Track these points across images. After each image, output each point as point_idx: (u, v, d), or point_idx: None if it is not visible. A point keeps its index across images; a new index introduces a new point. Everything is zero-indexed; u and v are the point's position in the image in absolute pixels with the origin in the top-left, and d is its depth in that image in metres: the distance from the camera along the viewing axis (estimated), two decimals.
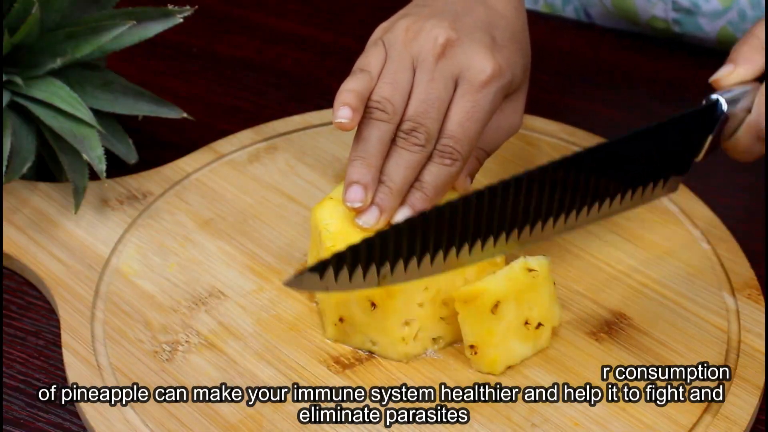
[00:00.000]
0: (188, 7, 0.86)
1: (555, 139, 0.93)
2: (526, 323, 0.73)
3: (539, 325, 0.74)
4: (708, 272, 0.81)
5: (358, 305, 0.73)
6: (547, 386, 0.73)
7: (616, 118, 0.86)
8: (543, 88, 1.04)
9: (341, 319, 0.74)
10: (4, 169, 0.82)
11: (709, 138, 0.76)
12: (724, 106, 0.75)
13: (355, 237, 0.72)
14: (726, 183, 0.92)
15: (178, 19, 0.86)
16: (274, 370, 0.74)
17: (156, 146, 0.95)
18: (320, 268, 0.67)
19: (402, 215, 0.74)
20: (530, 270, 0.73)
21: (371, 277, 0.69)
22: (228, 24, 1.12)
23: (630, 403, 0.72)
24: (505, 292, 0.72)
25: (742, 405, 0.72)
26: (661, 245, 0.83)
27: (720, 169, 0.94)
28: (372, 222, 0.74)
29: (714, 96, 0.76)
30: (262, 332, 0.77)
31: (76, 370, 0.75)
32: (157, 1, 0.90)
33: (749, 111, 0.76)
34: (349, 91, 0.75)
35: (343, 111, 0.74)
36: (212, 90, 1.03)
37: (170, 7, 0.86)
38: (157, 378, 0.74)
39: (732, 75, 0.76)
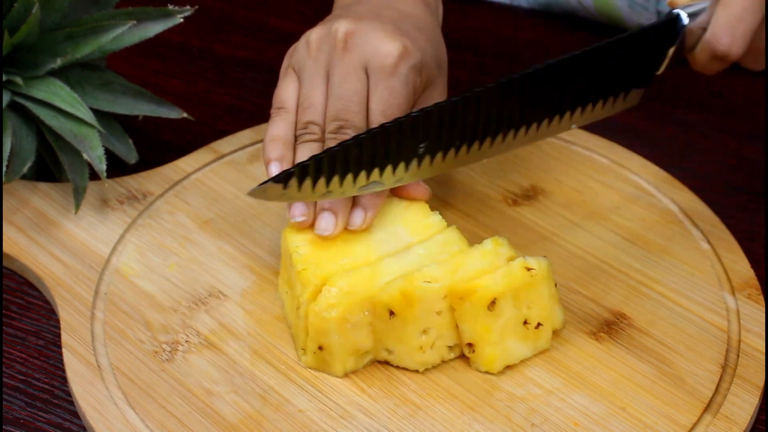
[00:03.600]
0: (188, 7, 0.86)
1: (555, 139, 0.93)
2: (526, 323, 0.73)
3: (539, 325, 0.74)
4: (708, 272, 0.81)
5: (375, 314, 0.73)
6: (547, 386, 0.73)
7: (615, 117, 0.86)
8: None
9: (320, 348, 0.73)
10: (4, 169, 0.82)
11: (671, 51, 0.78)
12: (685, 20, 0.77)
13: (326, 259, 0.73)
14: (726, 183, 0.92)
15: (178, 19, 0.86)
16: (274, 370, 0.74)
17: (156, 146, 0.95)
18: (284, 178, 0.71)
19: (358, 217, 0.76)
20: (528, 269, 0.73)
21: (334, 186, 0.72)
22: (228, 24, 1.12)
23: (630, 403, 0.72)
24: (502, 289, 0.72)
25: (742, 405, 0.72)
26: (661, 245, 0.83)
27: (720, 169, 0.94)
28: (330, 227, 0.75)
29: (675, 10, 0.78)
30: (262, 332, 0.77)
31: (76, 370, 0.75)
32: (157, 1, 0.91)
33: (705, 28, 0.77)
34: (274, 140, 0.77)
35: (296, 209, 0.75)
36: (212, 90, 1.03)
37: (170, 7, 0.86)
38: (157, 378, 0.74)
39: None
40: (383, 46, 0.77)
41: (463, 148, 0.76)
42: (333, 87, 0.77)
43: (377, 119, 0.76)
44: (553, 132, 0.79)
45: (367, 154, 0.73)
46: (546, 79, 0.76)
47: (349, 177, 0.73)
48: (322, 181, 0.72)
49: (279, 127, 0.78)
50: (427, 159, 0.75)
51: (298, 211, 0.75)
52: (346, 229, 0.76)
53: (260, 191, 0.72)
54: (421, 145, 0.74)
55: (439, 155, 0.75)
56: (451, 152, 0.75)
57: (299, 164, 0.72)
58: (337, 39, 0.78)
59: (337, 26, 0.78)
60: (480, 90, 0.74)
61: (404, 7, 0.83)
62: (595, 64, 0.77)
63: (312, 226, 0.75)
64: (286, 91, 0.79)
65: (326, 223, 0.75)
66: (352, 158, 0.73)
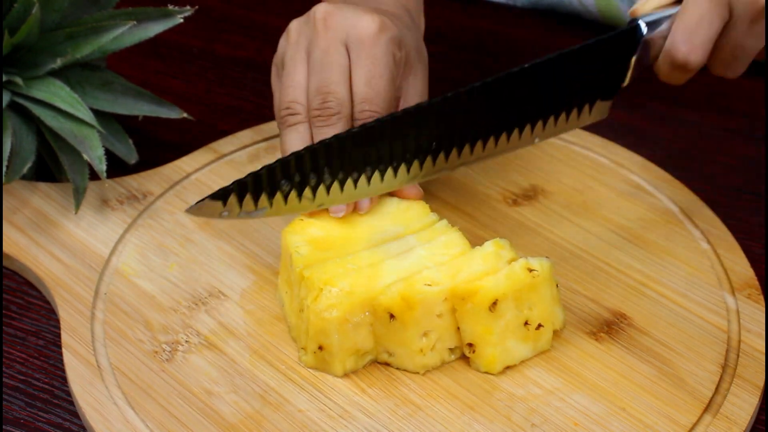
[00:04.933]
0: (188, 7, 0.86)
1: (555, 139, 0.93)
2: (526, 324, 0.73)
3: (539, 326, 0.74)
4: (708, 272, 0.81)
5: (376, 317, 0.73)
6: (547, 386, 0.73)
7: (615, 118, 0.86)
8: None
9: (320, 347, 0.74)
10: (4, 169, 0.82)
11: (632, 61, 0.78)
12: (644, 29, 0.77)
13: (327, 260, 0.73)
14: (726, 183, 0.92)
15: (178, 19, 0.86)
16: (274, 370, 0.74)
17: (156, 146, 0.95)
18: (222, 195, 0.72)
19: (365, 200, 0.77)
20: (531, 270, 0.73)
21: (277, 202, 0.73)
22: (228, 24, 1.12)
23: (630, 403, 0.72)
24: (503, 291, 0.72)
25: (742, 405, 0.72)
26: (661, 245, 0.83)
27: (720, 169, 0.94)
28: (342, 206, 0.76)
29: (636, 19, 0.77)
30: (262, 332, 0.77)
31: (76, 370, 0.75)
32: (157, 1, 0.91)
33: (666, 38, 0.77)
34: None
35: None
36: (212, 90, 1.03)
37: (170, 7, 0.86)
38: (157, 378, 0.74)
39: (646, 4, 0.78)
40: (362, 21, 0.78)
41: (405, 167, 0.76)
42: (314, 63, 0.78)
43: (362, 90, 0.76)
44: (515, 146, 0.79)
45: (306, 169, 0.74)
46: (504, 90, 0.76)
47: (293, 194, 0.74)
48: (263, 198, 0.73)
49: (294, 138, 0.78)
50: (363, 179, 0.76)
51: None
52: (347, 230, 0.76)
53: (197, 209, 0.73)
54: (370, 164, 0.75)
55: (377, 175, 0.76)
56: (389, 173, 0.76)
57: (237, 181, 0.72)
58: (316, 20, 0.78)
59: (315, 10, 0.79)
60: (431, 102, 0.75)
61: (385, 7, 0.84)
62: (555, 75, 0.77)
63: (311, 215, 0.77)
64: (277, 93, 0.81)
65: (337, 205, 0.76)
66: (294, 174, 0.73)
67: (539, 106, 0.78)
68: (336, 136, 0.74)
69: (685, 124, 0.99)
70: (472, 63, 1.06)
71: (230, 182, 0.73)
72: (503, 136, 0.78)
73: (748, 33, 0.76)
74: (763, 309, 0.79)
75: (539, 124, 0.78)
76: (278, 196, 0.74)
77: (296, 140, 0.77)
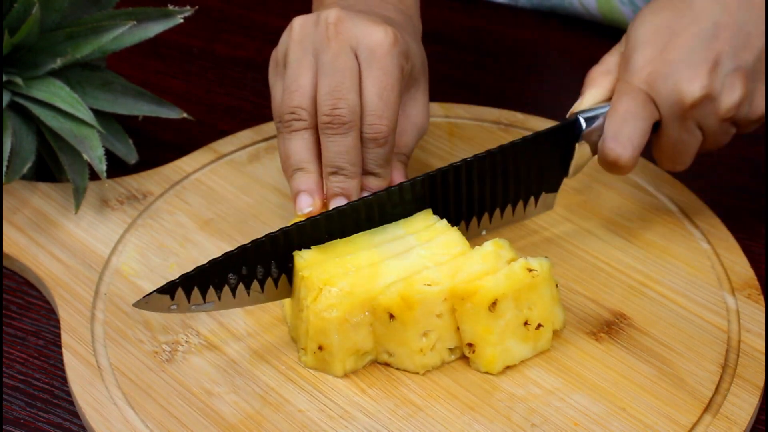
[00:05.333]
0: (188, 7, 0.86)
1: None
2: (526, 324, 0.73)
3: (539, 326, 0.74)
4: (708, 272, 0.81)
5: (375, 317, 0.73)
6: (547, 386, 0.73)
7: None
8: (544, 89, 1.04)
9: (320, 348, 0.74)
10: (4, 169, 0.82)
11: (574, 153, 0.79)
12: (583, 124, 0.78)
13: (328, 263, 0.72)
14: (726, 183, 0.92)
15: (178, 19, 0.86)
16: (273, 370, 0.74)
17: (156, 146, 0.95)
18: (169, 289, 0.71)
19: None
20: (530, 270, 0.73)
21: (225, 296, 0.72)
22: (228, 24, 1.12)
23: (630, 403, 0.72)
24: (503, 291, 0.71)
25: (742, 405, 0.72)
26: (661, 245, 0.83)
27: (720, 169, 0.94)
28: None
29: (576, 114, 0.79)
30: (261, 332, 0.77)
31: (76, 370, 0.75)
32: (157, 1, 0.91)
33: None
34: (298, 165, 0.76)
35: (302, 201, 0.76)
36: (212, 90, 1.03)
37: (170, 7, 0.86)
38: (157, 378, 0.74)
39: (582, 101, 0.79)
40: (374, 31, 0.77)
41: None
42: (323, 66, 0.76)
43: (373, 101, 0.75)
44: (472, 234, 0.80)
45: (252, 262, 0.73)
46: (449, 183, 0.77)
47: (241, 287, 0.73)
48: (211, 291, 0.72)
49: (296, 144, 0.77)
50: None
51: (305, 203, 0.76)
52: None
53: (143, 303, 0.72)
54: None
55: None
56: None
57: (183, 275, 0.71)
58: (327, 24, 0.77)
59: (327, 14, 0.77)
60: (374, 195, 0.75)
61: (387, 13, 0.83)
62: (500, 168, 0.78)
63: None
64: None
65: (341, 203, 0.76)
66: (241, 267, 0.73)
67: (485, 199, 0.79)
68: (282, 230, 0.73)
69: None
70: (472, 63, 1.06)
71: (188, 271, 0.72)
72: (460, 226, 0.79)
73: (682, 129, 0.77)
74: (763, 309, 0.79)
75: (485, 216, 0.80)
76: (226, 289, 0.73)
77: (301, 147, 0.76)
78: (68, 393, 0.75)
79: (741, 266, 0.82)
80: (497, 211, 0.80)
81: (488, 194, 0.79)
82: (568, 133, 0.79)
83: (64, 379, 0.76)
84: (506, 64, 1.06)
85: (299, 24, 0.78)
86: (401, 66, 0.77)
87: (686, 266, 0.82)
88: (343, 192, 0.75)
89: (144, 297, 0.71)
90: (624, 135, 0.76)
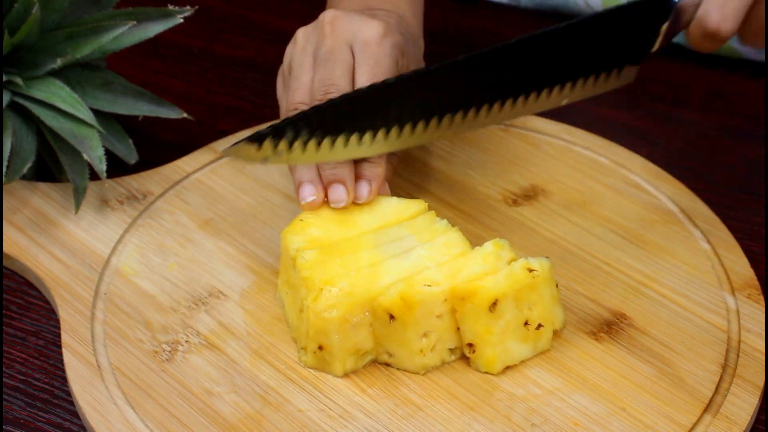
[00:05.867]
0: (188, 7, 0.86)
1: (555, 139, 0.93)
2: (526, 324, 0.73)
3: (539, 326, 0.74)
4: (708, 272, 0.81)
5: (375, 317, 0.73)
6: (547, 386, 0.73)
7: (616, 118, 0.86)
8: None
9: (320, 347, 0.74)
10: (4, 169, 0.82)
11: (663, 27, 0.78)
12: None
13: (329, 263, 0.72)
14: (726, 183, 0.92)
15: (178, 19, 0.86)
16: (273, 370, 0.74)
17: (156, 146, 0.95)
18: (257, 138, 0.72)
19: (364, 189, 0.77)
20: (531, 270, 0.73)
21: (310, 150, 0.73)
22: (228, 24, 1.12)
23: (630, 403, 0.72)
24: (503, 291, 0.72)
25: (742, 405, 0.72)
26: (661, 245, 0.83)
27: (720, 169, 0.94)
28: (343, 197, 0.76)
29: None
30: (261, 332, 0.77)
31: (76, 370, 0.75)
32: (157, 1, 0.90)
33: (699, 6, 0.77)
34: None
35: (305, 191, 0.77)
36: (212, 90, 1.03)
37: (170, 7, 0.86)
38: (157, 378, 0.74)
39: None
40: (367, 26, 0.79)
41: (447, 118, 0.76)
42: (319, 60, 0.79)
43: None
44: (544, 106, 0.78)
45: (344, 117, 0.74)
46: (536, 50, 0.76)
47: (327, 140, 0.74)
48: (298, 144, 0.73)
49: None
50: (408, 126, 0.76)
51: (308, 192, 0.76)
52: (347, 231, 0.76)
53: (234, 150, 0.73)
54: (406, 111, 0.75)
55: (421, 123, 0.76)
56: (434, 121, 0.76)
57: (272, 125, 0.73)
58: (324, 24, 0.80)
59: (324, 15, 0.80)
60: (466, 58, 0.75)
61: (389, 20, 0.84)
62: (586, 37, 0.77)
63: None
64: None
65: (337, 194, 0.76)
66: (328, 121, 0.74)
67: (568, 67, 0.78)
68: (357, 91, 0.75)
69: (685, 124, 0.99)
70: None
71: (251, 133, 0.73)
72: (533, 95, 0.78)
73: None
74: (763, 309, 0.79)
75: (568, 85, 0.78)
76: (312, 142, 0.74)
77: None
78: (68, 393, 0.75)
79: (741, 266, 0.82)
80: (580, 80, 0.79)
81: (573, 62, 0.78)
82: (661, 5, 0.77)
83: (64, 379, 0.76)
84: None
85: (302, 33, 0.81)
86: (395, 58, 0.79)
87: (686, 266, 0.82)
88: (336, 178, 0.76)
89: (232, 145, 0.73)
90: (730, 6, 0.75)
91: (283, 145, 0.73)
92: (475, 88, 0.76)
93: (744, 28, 0.78)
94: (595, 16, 0.77)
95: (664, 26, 0.78)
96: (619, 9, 0.77)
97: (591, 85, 0.79)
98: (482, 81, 0.76)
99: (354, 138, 0.75)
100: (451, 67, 0.75)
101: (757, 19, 0.77)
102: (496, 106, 0.77)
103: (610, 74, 0.79)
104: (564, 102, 0.79)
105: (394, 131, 0.75)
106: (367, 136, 0.75)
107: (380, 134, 0.75)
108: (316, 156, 0.75)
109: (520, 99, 0.77)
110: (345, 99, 0.74)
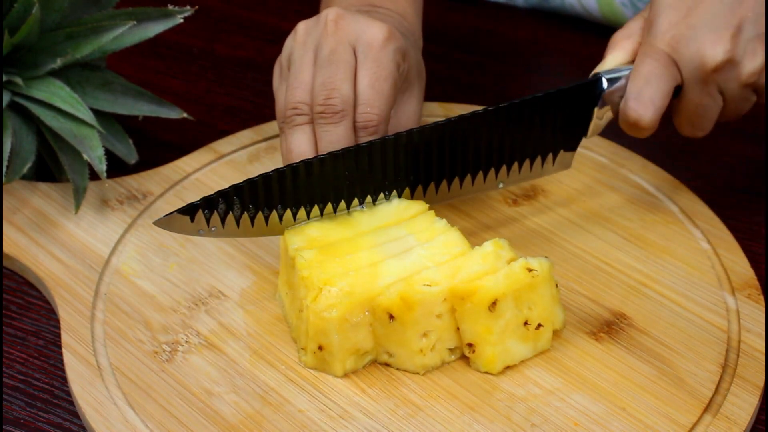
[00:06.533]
0: (188, 7, 0.86)
1: None
2: (526, 324, 0.73)
3: (539, 326, 0.74)
4: (708, 272, 0.81)
5: (375, 317, 0.73)
6: (547, 386, 0.73)
7: (615, 118, 0.86)
8: (544, 89, 1.04)
9: (320, 347, 0.74)
10: (4, 169, 0.82)
11: (594, 113, 0.80)
12: (605, 84, 0.79)
13: (328, 263, 0.72)
14: (726, 183, 0.92)
15: (178, 19, 0.86)
16: (273, 370, 0.74)
17: (156, 146, 0.95)
18: (189, 210, 0.73)
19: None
20: (530, 270, 0.73)
21: (244, 224, 0.74)
22: (228, 24, 1.12)
23: (630, 403, 0.72)
24: (503, 290, 0.72)
25: (742, 405, 0.72)
26: (661, 245, 0.83)
27: (720, 169, 0.94)
28: None
29: (598, 73, 0.79)
30: (262, 332, 0.77)
31: (76, 370, 0.75)
32: (157, 1, 0.91)
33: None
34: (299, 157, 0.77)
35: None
36: (212, 90, 1.03)
37: (170, 7, 0.86)
38: (157, 378, 0.74)
39: (605, 63, 0.80)
40: (371, 28, 0.79)
41: (371, 198, 0.77)
42: (320, 60, 0.78)
43: (365, 91, 0.77)
44: (478, 190, 0.80)
45: (276, 192, 0.74)
46: (467, 132, 0.77)
47: (260, 215, 0.74)
48: (230, 218, 0.74)
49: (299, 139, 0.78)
50: (332, 204, 0.76)
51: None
52: (347, 230, 0.76)
53: (166, 221, 0.73)
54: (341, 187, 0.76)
55: (344, 202, 0.77)
56: (357, 201, 0.77)
57: (204, 197, 0.73)
58: (327, 22, 0.79)
59: (327, 12, 0.80)
60: (395, 136, 0.76)
61: (393, 22, 0.85)
62: (519, 120, 0.78)
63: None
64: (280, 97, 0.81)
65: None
66: (261, 196, 0.74)
67: (504, 150, 0.79)
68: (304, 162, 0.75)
69: None
70: (473, 63, 1.06)
71: (226, 186, 0.73)
72: (468, 178, 0.79)
73: (703, 93, 0.78)
74: (763, 309, 0.79)
75: (503, 169, 0.80)
76: (245, 216, 0.74)
77: (303, 141, 0.77)
78: (68, 393, 0.75)
79: (741, 266, 0.82)
80: (515, 165, 0.80)
81: (507, 145, 0.79)
82: (589, 93, 0.79)
83: (64, 379, 0.76)
84: (506, 64, 1.06)
85: (303, 27, 0.80)
86: (397, 62, 0.78)
87: (686, 266, 0.82)
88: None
89: (165, 216, 0.73)
90: (646, 95, 0.77)
91: (215, 219, 0.73)
92: (404, 168, 0.77)
93: (677, 119, 0.80)
94: (527, 101, 0.78)
95: (595, 111, 0.80)
96: (552, 94, 0.78)
97: (527, 170, 0.80)
98: (411, 162, 0.77)
99: (287, 214, 0.75)
100: (381, 144, 0.75)
101: (687, 109, 0.79)
102: (419, 190, 0.78)
103: (545, 160, 0.81)
104: (500, 186, 0.80)
105: (320, 208, 0.76)
106: (302, 212, 0.75)
107: (314, 210, 0.76)
108: (251, 231, 0.75)
109: (453, 182, 0.79)
110: (277, 173, 0.74)
